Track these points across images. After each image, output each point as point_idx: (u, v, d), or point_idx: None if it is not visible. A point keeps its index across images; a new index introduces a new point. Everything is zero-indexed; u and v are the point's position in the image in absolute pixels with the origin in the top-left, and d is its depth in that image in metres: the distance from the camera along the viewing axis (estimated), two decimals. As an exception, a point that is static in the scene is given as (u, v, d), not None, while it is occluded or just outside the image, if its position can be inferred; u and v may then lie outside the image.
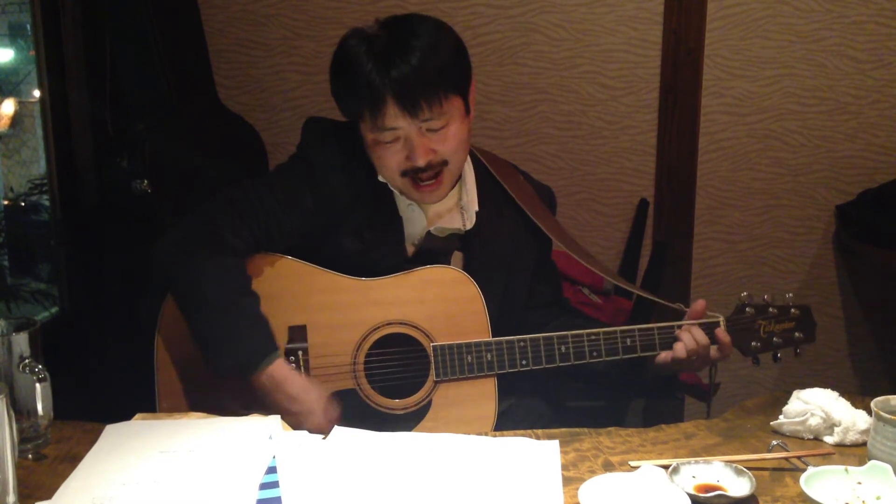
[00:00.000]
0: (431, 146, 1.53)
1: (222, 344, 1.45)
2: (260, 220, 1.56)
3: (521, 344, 1.58)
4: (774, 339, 1.64)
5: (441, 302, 1.58)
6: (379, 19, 1.54)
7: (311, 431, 1.36)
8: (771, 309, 1.64)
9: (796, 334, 1.65)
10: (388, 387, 1.57)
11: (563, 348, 1.58)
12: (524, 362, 1.58)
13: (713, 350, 1.60)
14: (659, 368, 1.62)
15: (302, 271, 1.58)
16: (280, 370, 1.46)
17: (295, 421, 1.43)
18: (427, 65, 1.47)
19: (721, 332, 1.59)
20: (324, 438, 1.31)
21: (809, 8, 2.79)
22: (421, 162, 1.53)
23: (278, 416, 1.36)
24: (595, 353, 1.59)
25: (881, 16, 2.80)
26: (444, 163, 1.56)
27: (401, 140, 1.53)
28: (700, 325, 1.61)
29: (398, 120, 1.50)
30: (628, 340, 1.59)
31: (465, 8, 2.77)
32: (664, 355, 1.60)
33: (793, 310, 1.65)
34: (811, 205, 2.93)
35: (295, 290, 1.57)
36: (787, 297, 1.67)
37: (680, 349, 1.57)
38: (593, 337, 1.59)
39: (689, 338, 1.58)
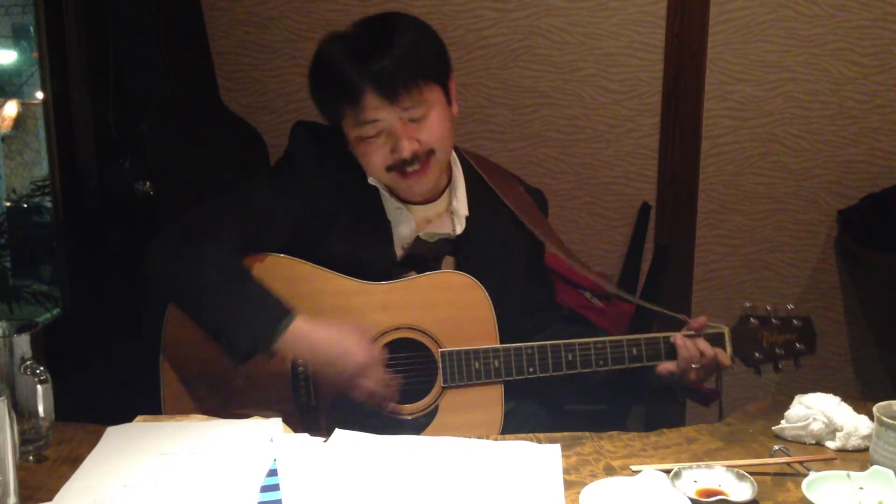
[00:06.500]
0: (415, 135, 1.53)
1: (235, 323, 1.43)
2: (249, 219, 1.56)
3: (529, 351, 1.58)
4: (777, 349, 1.65)
5: (450, 307, 1.58)
6: (354, 21, 1.58)
7: (365, 363, 1.45)
8: (774, 320, 1.65)
9: (798, 345, 1.66)
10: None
11: (569, 356, 1.59)
12: (531, 369, 1.58)
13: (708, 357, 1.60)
14: (660, 379, 1.63)
15: (311, 274, 1.57)
16: (302, 325, 1.44)
17: (342, 365, 1.44)
18: (403, 53, 1.50)
19: (721, 353, 1.61)
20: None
21: (812, 12, 2.79)
22: (406, 153, 1.52)
23: (279, 419, 1.35)
24: (601, 362, 1.60)
25: (884, 20, 2.80)
26: (431, 152, 1.56)
27: (383, 133, 1.53)
28: (705, 336, 1.62)
29: (379, 111, 1.50)
30: (634, 350, 1.60)
31: (468, 11, 2.77)
32: (666, 365, 1.61)
33: (794, 321, 1.66)
34: (813, 209, 2.93)
35: (303, 292, 1.56)
36: (788, 307, 1.67)
37: (681, 355, 1.59)
38: (599, 345, 1.60)
39: (690, 345, 1.59)
